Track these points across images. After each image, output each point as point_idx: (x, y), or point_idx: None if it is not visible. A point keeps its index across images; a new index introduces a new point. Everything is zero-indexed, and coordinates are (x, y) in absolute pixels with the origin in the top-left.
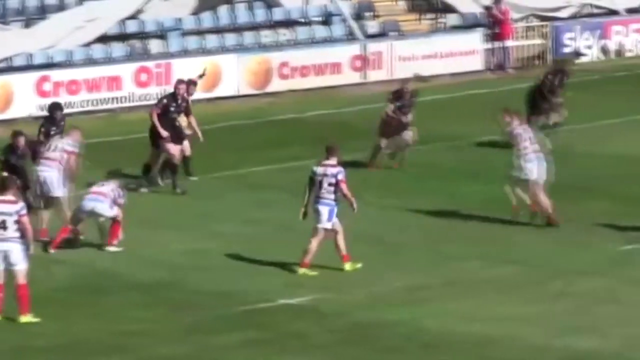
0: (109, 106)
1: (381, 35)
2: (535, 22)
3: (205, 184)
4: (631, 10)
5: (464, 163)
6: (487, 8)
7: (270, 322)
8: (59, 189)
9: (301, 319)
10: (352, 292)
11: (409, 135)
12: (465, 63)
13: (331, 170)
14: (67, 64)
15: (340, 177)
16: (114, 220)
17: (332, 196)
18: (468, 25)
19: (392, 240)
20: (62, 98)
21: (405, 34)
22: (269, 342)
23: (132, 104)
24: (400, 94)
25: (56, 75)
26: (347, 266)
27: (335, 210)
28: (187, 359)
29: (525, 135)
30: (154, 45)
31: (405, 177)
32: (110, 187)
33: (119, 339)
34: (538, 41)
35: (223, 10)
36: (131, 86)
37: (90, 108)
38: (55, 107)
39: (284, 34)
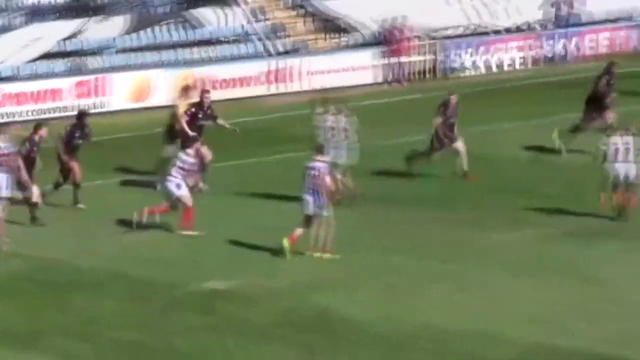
0: (52, 115)
1: (291, 52)
2: (427, 41)
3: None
4: (509, 30)
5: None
6: (385, 28)
7: (214, 307)
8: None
9: (239, 304)
10: (285, 278)
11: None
12: (365, 76)
13: (317, 164)
14: (14, 78)
15: (323, 171)
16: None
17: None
18: (368, 43)
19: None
20: (10, 109)
21: (313, 51)
22: (213, 327)
23: (72, 113)
24: (446, 105)
25: (5, 88)
26: (316, 255)
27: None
28: (139, 344)
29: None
30: (91, 62)
31: None
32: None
33: (80, 327)
34: (429, 57)
35: (152, 30)
36: (71, 98)
37: (34, 117)
38: None
39: (206, 52)
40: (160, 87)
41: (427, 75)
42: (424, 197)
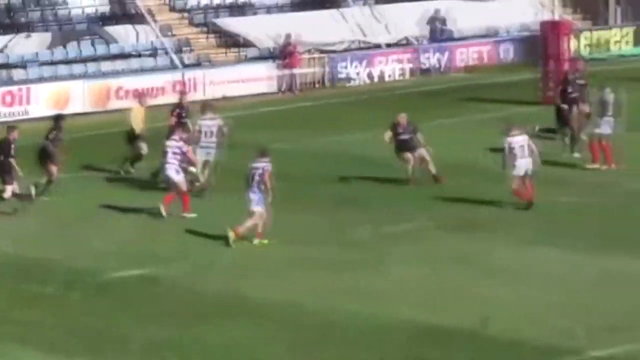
0: None
1: (196, 65)
2: (316, 54)
3: (68, 181)
4: (390, 45)
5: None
6: (280, 43)
7: (123, 292)
8: None
9: (146, 289)
10: (187, 264)
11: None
12: (261, 86)
13: (261, 164)
14: None
15: (266, 170)
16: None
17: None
18: (264, 56)
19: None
20: None
21: (215, 64)
22: (122, 310)
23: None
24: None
25: None
26: (256, 241)
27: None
28: (55, 326)
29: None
30: (16, 74)
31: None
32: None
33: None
34: (318, 69)
35: (71, 45)
36: None
37: None
38: None
39: (120, 64)
40: (77, 97)
41: (317, 85)
42: (318, 196)
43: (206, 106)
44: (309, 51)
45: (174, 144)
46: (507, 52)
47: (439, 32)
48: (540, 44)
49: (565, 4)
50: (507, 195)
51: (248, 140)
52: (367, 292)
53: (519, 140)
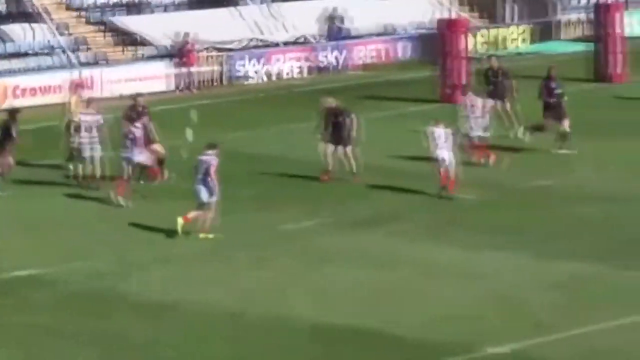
0: None
1: (93, 63)
2: (214, 53)
3: None
4: (287, 43)
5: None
6: (177, 42)
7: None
8: None
9: (36, 288)
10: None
11: None
12: (159, 85)
13: (208, 157)
14: None
15: (213, 163)
16: None
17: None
18: (161, 55)
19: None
20: None
21: (112, 62)
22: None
23: None
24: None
25: None
26: (201, 235)
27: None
28: None
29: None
30: None
31: None
32: None
33: None
34: (216, 67)
35: None
36: None
37: None
38: None
39: (16, 63)
40: None
41: (215, 84)
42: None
43: (90, 101)
44: (206, 49)
45: (134, 130)
46: (405, 50)
47: (336, 30)
48: (437, 42)
49: (462, 2)
50: (407, 192)
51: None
52: (258, 290)
53: (441, 132)
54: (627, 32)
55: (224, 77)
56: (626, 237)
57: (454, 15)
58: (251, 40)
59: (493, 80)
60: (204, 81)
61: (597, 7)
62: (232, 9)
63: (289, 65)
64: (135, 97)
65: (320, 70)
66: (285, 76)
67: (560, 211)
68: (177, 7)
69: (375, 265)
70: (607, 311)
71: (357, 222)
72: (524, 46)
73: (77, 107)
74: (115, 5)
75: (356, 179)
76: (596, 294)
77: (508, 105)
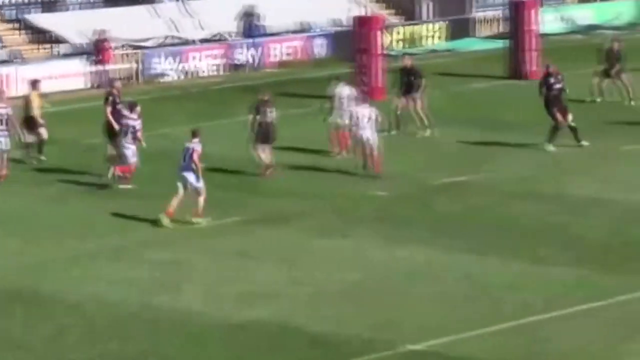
0: None
1: (8, 61)
2: (129, 50)
3: None
4: (203, 41)
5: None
6: (93, 39)
7: None
8: None
9: None
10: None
11: None
12: (75, 82)
13: (193, 145)
14: None
15: (198, 150)
16: None
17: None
18: (77, 52)
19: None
20: None
21: (27, 60)
22: None
23: None
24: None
25: None
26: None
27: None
28: None
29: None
30: None
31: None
32: None
33: None
34: (133, 65)
35: None
36: None
37: None
38: None
39: None
40: None
41: (130, 81)
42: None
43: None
44: (122, 47)
45: (134, 124)
46: (321, 47)
47: (252, 27)
48: (352, 39)
49: (378, 0)
50: (321, 189)
51: (63, 136)
52: (158, 284)
53: (365, 112)
54: (542, 29)
55: (139, 75)
56: (531, 231)
57: (369, 13)
58: (167, 37)
59: (405, 79)
60: (119, 79)
61: (512, 4)
62: (148, 6)
63: (205, 63)
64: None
65: (237, 67)
66: (201, 74)
67: (473, 206)
68: (93, 5)
69: (288, 260)
70: (517, 306)
71: (265, 219)
72: (439, 43)
73: (36, 103)
74: (30, 2)
75: (265, 172)
76: (505, 288)
77: (419, 104)
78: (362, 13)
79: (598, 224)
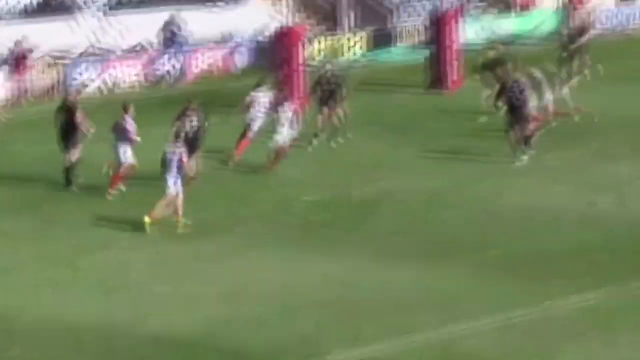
0: None
1: None
2: (50, 61)
3: None
4: (125, 51)
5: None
6: (13, 50)
7: None
8: None
9: None
10: None
11: None
12: None
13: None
14: None
15: (181, 155)
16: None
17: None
18: None
19: None
20: None
21: None
22: None
23: None
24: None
25: None
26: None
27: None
28: None
29: None
30: None
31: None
32: None
33: None
34: (52, 76)
35: None
36: None
37: None
38: None
39: None
40: None
41: (51, 92)
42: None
43: None
44: (42, 58)
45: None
46: (242, 58)
47: (174, 38)
48: (274, 50)
49: (299, 10)
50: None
51: None
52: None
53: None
54: (462, 40)
55: (60, 86)
56: (449, 240)
57: (290, 23)
58: (88, 48)
59: (324, 88)
60: (40, 90)
61: (434, 15)
62: (68, 17)
63: (126, 74)
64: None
65: (158, 79)
66: (122, 84)
67: (394, 213)
68: (13, 16)
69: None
70: (433, 317)
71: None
72: (361, 53)
73: None
74: None
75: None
76: (422, 298)
77: (342, 113)
78: (284, 24)
79: (516, 232)
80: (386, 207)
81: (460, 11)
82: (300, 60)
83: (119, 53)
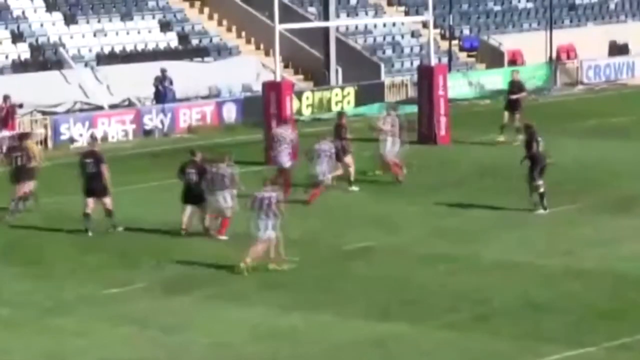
0: None
1: None
2: (39, 116)
3: None
4: (112, 106)
5: None
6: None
7: None
8: None
9: None
10: None
11: None
12: None
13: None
14: None
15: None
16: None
17: None
18: None
19: None
20: None
21: None
22: None
23: None
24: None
25: None
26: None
27: None
28: None
29: None
30: None
31: None
32: None
33: None
34: (41, 130)
35: None
36: None
37: None
38: None
39: None
40: None
41: (40, 146)
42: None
43: None
44: (30, 113)
45: None
46: (230, 113)
47: (162, 92)
48: (262, 105)
49: (287, 65)
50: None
51: None
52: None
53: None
54: (451, 94)
55: (48, 141)
56: (432, 295)
57: (278, 78)
58: (76, 103)
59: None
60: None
61: (421, 70)
62: (56, 72)
63: (114, 129)
64: None
65: (146, 133)
66: (110, 139)
67: (377, 270)
68: (2, 71)
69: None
70: None
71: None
72: (348, 108)
73: None
74: None
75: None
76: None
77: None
78: (272, 79)
79: (507, 287)
80: (377, 262)
81: (447, 66)
82: (288, 115)
83: (106, 107)
